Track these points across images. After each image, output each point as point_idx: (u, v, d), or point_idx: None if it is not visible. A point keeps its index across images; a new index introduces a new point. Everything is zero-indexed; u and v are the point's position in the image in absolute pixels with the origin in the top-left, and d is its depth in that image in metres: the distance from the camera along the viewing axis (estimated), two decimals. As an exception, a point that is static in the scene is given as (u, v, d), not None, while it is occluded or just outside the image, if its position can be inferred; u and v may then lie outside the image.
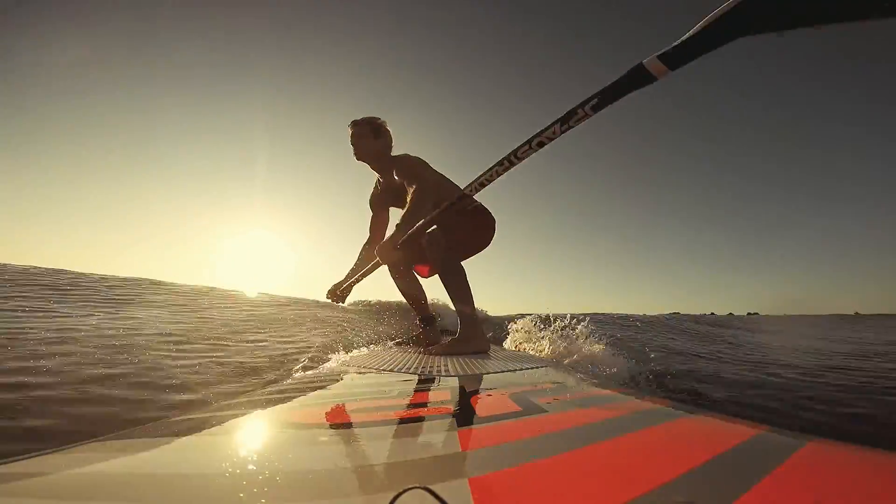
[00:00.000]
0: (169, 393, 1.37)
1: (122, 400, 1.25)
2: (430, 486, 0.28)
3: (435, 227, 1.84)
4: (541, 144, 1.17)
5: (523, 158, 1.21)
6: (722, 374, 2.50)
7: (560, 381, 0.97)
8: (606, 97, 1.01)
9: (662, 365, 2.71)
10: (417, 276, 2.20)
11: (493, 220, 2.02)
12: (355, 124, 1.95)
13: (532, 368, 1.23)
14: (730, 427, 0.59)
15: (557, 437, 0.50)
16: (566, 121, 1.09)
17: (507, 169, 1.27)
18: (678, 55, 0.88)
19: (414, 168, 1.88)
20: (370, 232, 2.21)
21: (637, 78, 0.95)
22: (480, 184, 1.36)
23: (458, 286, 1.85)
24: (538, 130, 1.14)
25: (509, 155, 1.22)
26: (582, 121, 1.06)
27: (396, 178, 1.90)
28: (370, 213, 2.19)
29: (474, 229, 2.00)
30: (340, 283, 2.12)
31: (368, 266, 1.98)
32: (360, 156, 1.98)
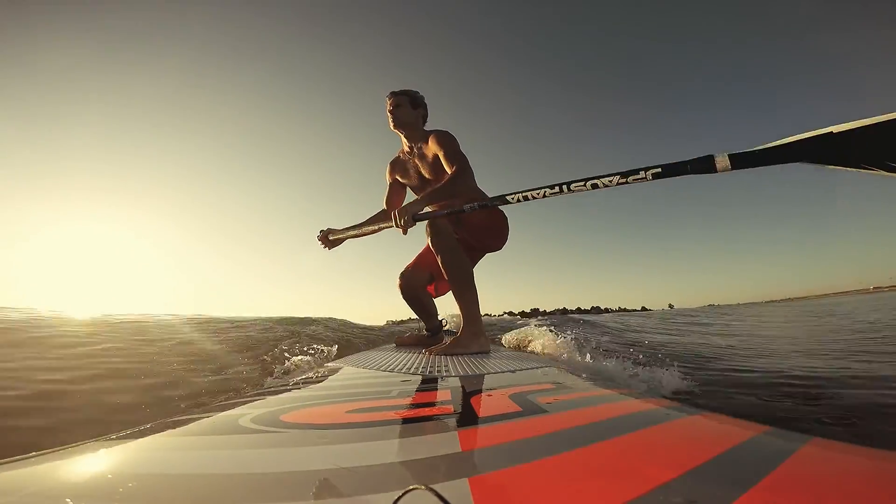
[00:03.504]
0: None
1: None
2: (431, 486, 0.28)
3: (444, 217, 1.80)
4: (594, 186, 1.27)
5: (574, 192, 1.31)
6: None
7: (560, 381, 0.97)
8: (668, 171, 1.13)
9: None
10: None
11: (506, 223, 2.00)
12: (394, 94, 1.93)
13: (532, 368, 1.23)
14: (730, 427, 0.59)
15: (557, 437, 0.50)
16: (626, 176, 1.20)
17: (556, 194, 1.35)
18: (745, 160, 1.00)
19: (455, 145, 1.84)
20: (386, 205, 2.16)
21: (702, 166, 1.06)
22: (524, 196, 1.41)
23: (464, 284, 1.81)
24: (598, 174, 1.26)
25: (563, 184, 1.32)
26: (639, 181, 1.19)
27: (433, 149, 1.86)
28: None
29: (487, 229, 1.98)
30: (337, 231, 2.03)
31: (373, 226, 1.92)
32: (396, 124, 1.95)
